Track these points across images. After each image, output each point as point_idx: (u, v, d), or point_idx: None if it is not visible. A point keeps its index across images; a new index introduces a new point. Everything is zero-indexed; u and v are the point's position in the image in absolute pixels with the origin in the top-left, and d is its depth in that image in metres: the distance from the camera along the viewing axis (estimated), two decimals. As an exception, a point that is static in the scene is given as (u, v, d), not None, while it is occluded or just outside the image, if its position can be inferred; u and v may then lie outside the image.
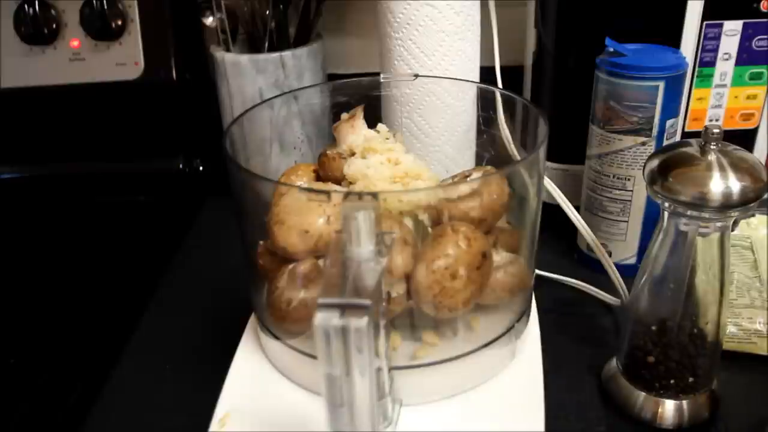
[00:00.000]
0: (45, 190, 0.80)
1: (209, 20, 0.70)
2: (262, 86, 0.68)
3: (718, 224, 0.40)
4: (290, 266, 0.40)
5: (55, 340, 0.56)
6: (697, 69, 0.60)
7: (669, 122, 0.54)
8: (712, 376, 0.45)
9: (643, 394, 0.45)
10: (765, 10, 0.57)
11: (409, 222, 0.39)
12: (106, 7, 0.71)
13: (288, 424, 0.39)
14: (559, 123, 0.51)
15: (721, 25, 0.58)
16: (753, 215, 0.54)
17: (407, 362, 0.39)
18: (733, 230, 0.41)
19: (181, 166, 0.78)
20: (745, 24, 0.58)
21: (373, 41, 0.61)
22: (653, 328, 0.44)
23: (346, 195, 0.31)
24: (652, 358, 0.44)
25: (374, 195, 0.30)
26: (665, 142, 0.54)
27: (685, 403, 0.44)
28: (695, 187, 0.38)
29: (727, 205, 0.38)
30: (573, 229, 0.57)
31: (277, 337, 0.41)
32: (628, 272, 0.52)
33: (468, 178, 0.45)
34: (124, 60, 0.73)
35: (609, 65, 0.53)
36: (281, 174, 0.47)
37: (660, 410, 0.44)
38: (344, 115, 0.48)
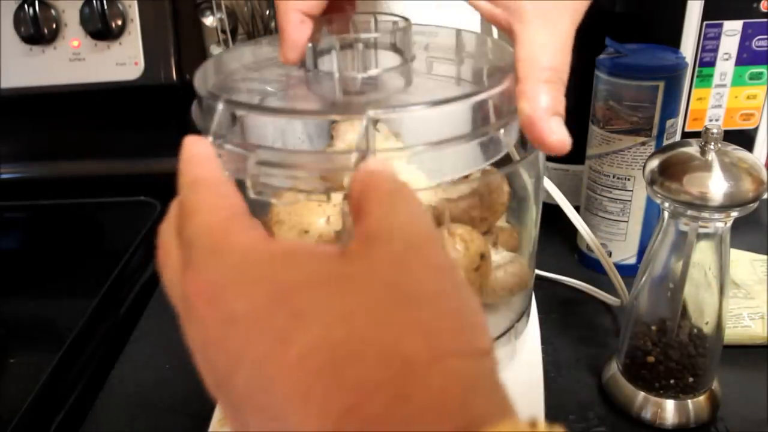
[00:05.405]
0: (45, 190, 0.80)
1: (209, 20, 0.70)
2: (262, 86, 0.68)
3: (718, 224, 0.40)
4: (290, 266, 0.40)
5: (55, 340, 0.55)
6: (697, 69, 0.60)
7: (669, 122, 0.54)
8: (712, 376, 0.45)
9: (643, 394, 0.45)
10: (765, 10, 0.57)
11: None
12: (106, 7, 0.71)
13: (288, 424, 0.39)
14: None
15: (721, 25, 0.58)
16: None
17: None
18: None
19: (181, 166, 0.78)
20: (745, 24, 0.58)
21: (373, 41, 0.61)
22: (653, 328, 0.44)
23: (346, 195, 0.31)
24: (652, 358, 0.44)
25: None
26: (665, 142, 0.54)
27: (685, 403, 0.44)
28: (695, 187, 0.38)
29: (727, 205, 0.38)
30: (573, 229, 0.57)
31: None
32: (628, 272, 0.52)
33: (468, 178, 0.45)
34: (124, 60, 0.73)
35: (609, 65, 0.53)
36: (281, 174, 0.47)
37: (660, 410, 0.44)
38: (344, 115, 0.47)
